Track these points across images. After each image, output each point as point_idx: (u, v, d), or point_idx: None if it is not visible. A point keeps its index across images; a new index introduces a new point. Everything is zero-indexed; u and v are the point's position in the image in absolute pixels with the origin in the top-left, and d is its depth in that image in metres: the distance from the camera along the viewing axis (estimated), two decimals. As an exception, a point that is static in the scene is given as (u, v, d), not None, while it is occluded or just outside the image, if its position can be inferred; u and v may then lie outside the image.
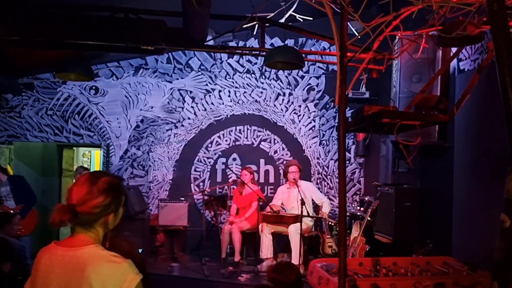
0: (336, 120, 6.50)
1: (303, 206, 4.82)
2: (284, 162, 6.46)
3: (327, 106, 6.72)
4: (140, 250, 5.11)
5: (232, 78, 6.68)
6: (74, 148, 8.01)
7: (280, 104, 6.71)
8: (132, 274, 1.31)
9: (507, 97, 1.51)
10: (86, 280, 1.28)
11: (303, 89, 6.73)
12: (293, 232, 5.04)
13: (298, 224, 4.83)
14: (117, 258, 1.33)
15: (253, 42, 6.49)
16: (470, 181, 3.84)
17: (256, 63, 6.69)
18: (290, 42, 6.52)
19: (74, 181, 6.35)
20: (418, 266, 3.56)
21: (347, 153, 6.60)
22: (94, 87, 6.51)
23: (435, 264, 3.66)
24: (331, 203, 6.45)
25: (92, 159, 9.06)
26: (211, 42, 4.81)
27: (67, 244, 1.37)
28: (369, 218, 4.75)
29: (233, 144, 6.66)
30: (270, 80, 6.73)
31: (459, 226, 3.99)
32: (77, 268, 1.30)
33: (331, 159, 6.70)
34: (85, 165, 8.01)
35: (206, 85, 6.65)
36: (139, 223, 5.52)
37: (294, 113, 6.72)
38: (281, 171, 6.31)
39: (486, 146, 3.61)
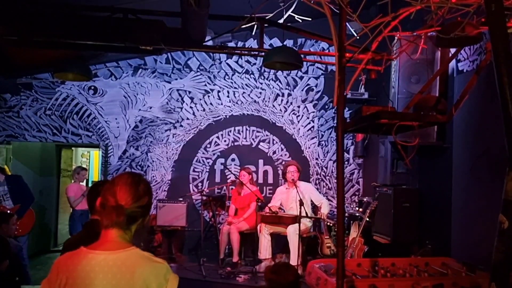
0: (335, 121, 6.50)
1: (302, 207, 4.81)
2: (283, 162, 6.46)
3: (326, 106, 6.72)
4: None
5: (231, 79, 6.68)
6: (73, 148, 8.01)
7: (279, 105, 6.71)
8: (172, 273, 1.37)
9: (505, 98, 1.50)
10: (138, 281, 1.29)
11: (302, 90, 6.73)
12: (292, 232, 5.03)
13: (297, 224, 4.83)
14: (158, 258, 1.37)
15: (252, 43, 6.49)
16: (469, 181, 3.83)
17: (255, 64, 6.68)
18: (289, 42, 6.52)
19: (73, 181, 6.39)
20: (416, 267, 3.56)
21: (346, 154, 6.59)
22: (92, 87, 6.50)
23: (434, 265, 3.66)
24: (330, 204, 6.44)
25: (91, 159, 9.05)
26: (210, 43, 4.80)
27: (104, 248, 1.34)
28: (367, 219, 4.74)
29: (232, 144, 6.65)
30: (269, 81, 6.72)
31: (458, 227, 3.99)
32: (125, 271, 1.30)
33: (330, 159, 6.70)
34: (84, 165, 8.00)
35: (205, 85, 6.65)
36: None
37: (293, 113, 6.72)
38: (280, 172, 6.30)
39: (484, 147, 3.61)
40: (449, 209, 4.10)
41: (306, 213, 5.00)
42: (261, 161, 6.64)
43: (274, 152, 6.70)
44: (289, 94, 6.72)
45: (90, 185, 7.88)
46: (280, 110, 6.71)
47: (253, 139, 6.69)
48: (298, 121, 6.72)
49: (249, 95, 6.70)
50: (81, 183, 6.00)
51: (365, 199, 5.41)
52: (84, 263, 1.31)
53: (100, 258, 1.32)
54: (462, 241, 3.90)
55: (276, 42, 6.44)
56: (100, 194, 1.38)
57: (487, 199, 3.51)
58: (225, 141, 6.66)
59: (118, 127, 6.53)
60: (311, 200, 5.52)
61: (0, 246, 2.44)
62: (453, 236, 4.04)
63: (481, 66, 2.66)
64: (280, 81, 6.72)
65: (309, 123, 6.73)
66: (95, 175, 8.42)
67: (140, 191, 1.38)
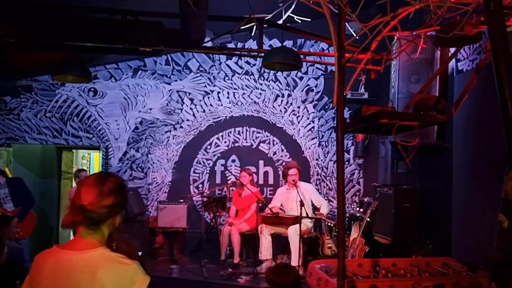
0: (335, 121, 6.49)
1: (302, 207, 4.81)
2: (283, 163, 6.45)
3: (326, 107, 6.71)
4: (139, 253, 5.09)
5: (231, 80, 6.68)
6: (73, 150, 8.00)
7: (279, 105, 6.71)
8: (141, 275, 1.32)
9: (504, 97, 1.50)
10: (98, 283, 1.28)
11: (302, 90, 6.73)
12: (293, 233, 5.03)
13: (298, 225, 4.82)
14: (126, 259, 1.33)
15: (251, 44, 6.49)
16: (469, 181, 3.83)
17: (254, 65, 6.68)
18: (288, 43, 6.52)
19: (74, 183, 6.39)
20: (417, 267, 3.55)
21: (346, 154, 6.58)
22: (92, 89, 6.51)
23: (435, 264, 3.66)
24: (331, 204, 6.43)
25: (92, 161, 9.05)
26: (209, 44, 4.81)
27: (73, 248, 1.35)
28: (368, 219, 4.74)
29: (232, 145, 6.65)
30: (269, 81, 6.72)
31: (459, 227, 3.98)
32: (87, 272, 1.29)
33: (331, 160, 6.69)
34: (84, 168, 8.00)
35: (205, 86, 6.65)
36: (138, 225, 5.51)
37: (293, 114, 6.71)
38: (280, 173, 6.30)
39: (484, 146, 3.60)
40: (450, 208, 4.09)
41: (306, 213, 4.99)
42: (261, 162, 6.64)
43: (275, 153, 6.69)
44: (289, 95, 6.72)
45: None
46: (280, 110, 6.71)
47: (253, 140, 6.69)
48: (298, 122, 6.72)
49: (249, 96, 6.70)
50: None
51: (365, 200, 5.40)
52: (51, 261, 1.33)
53: (66, 257, 1.33)
54: (463, 241, 3.89)
55: (276, 43, 6.44)
56: None
57: (487, 199, 3.50)
58: (225, 142, 6.66)
59: (118, 129, 6.53)
60: (311, 201, 5.52)
61: None
62: (454, 236, 4.03)
63: (481, 66, 2.66)
64: (280, 82, 6.72)
65: (309, 123, 6.72)
66: (95, 177, 8.43)
67: (105, 190, 1.35)
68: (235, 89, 6.68)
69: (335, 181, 6.26)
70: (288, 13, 5.00)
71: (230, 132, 6.66)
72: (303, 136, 6.70)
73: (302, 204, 4.81)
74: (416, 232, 4.44)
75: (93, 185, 1.36)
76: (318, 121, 6.72)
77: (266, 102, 6.70)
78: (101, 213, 1.35)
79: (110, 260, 1.32)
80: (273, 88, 6.72)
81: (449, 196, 4.11)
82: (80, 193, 1.35)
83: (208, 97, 6.65)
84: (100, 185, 1.36)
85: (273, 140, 6.69)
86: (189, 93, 6.62)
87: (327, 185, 6.69)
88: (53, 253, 1.36)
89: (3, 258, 2.60)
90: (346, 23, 2.65)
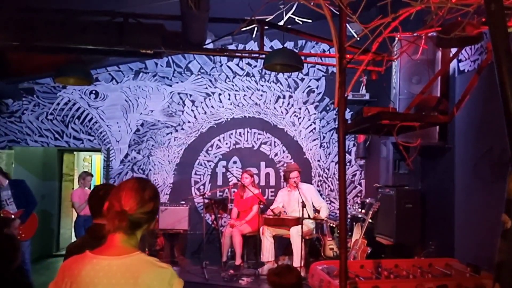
0: (336, 122, 6.49)
1: (304, 209, 4.80)
2: (285, 164, 6.45)
3: (327, 108, 6.71)
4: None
5: (232, 81, 6.68)
6: (75, 152, 8.02)
7: (280, 107, 6.71)
8: (177, 278, 1.36)
9: (506, 96, 1.50)
10: (142, 287, 1.29)
11: (303, 92, 6.73)
12: (294, 234, 5.02)
13: (299, 226, 4.82)
14: (162, 263, 1.36)
15: (252, 45, 6.50)
16: (472, 181, 3.82)
17: (255, 66, 6.68)
18: (289, 44, 6.52)
19: (75, 185, 6.39)
20: (420, 268, 3.55)
21: (347, 155, 6.58)
22: (94, 92, 6.52)
23: (437, 266, 3.65)
24: (332, 206, 6.42)
25: (93, 163, 9.07)
26: (210, 45, 4.81)
27: (109, 253, 1.34)
28: (370, 220, 4.73)
29: (234, 147, 6.64)
30: (270, 83, 6.72)
31: (461, 227, 3.97)
32: (129, 277, 1.30)
33: (332, 161, 6.68)
34: (86, 170, 8.01)
35: (206, 88, 6.65)
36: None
37: (294, 115, 6.71)
38: (282, 174, 6.29)
39: (487, 146, 3.60)
40: (452, 209, 4.09)
41: (308, 215, 4.99)
42: (262, 164, 6.63)
43: (276, 154, 6.69)
44: (290, 96, 6.71)
45: (92, 189, 7.86)
46: (282, 112, 6.71)
47: (254, 142, 6.69)
48: (300, 123, 6.71)
49: (250, 97, 6.70)
50: (86, 188, 6.00)
51: (367, 200, 5.39)
52: (88, 268, 1.32)
53: (105, 263, 1.32)
54: (466, 242, 3.88)
55: (277, 44, 6.44)
56: (101, 198, 1.39)
57: (490, 199, 3.50)
58: (226, 143, 6.66)
59: (119, 131, 6.54)
60: (313, 204, 5.52)
61: (11, 245, 2.42)
62: (457, 237, 4.02)
63: (482, 66, 2.66)
64: (281, 83, 6.72)
65: (311, 125, 6.72)
66: (97, 179, 8.43)
67: (146, 196, 1.38)
68: (236, 90, 6.69)
69: (337, 182, 6.26)
70: (289, 14, 5.01)
71: (232, 133, 6.66)
72: (305, 137, 6.70)
73: (304, 205, 4.81)
74: (419, 233, 4.43)
75: (134, 191, 1.37)
76: (320, 122, 6.71)
77: (267, 103, 6.70)
78: (140, 218, 1.36)
79: (150, 264, 1.34)
80: (274, 89, 6.72)
81: (452, 196, 4.10)
82: (121, 199, 1.35)
83: (209, 99, 6.65)
84: (142, 191, 1.38)
85: (275, 142, 6.69)
86: (190, 95, 6.63)
87: (328, 186, 6.68)
88: (87, 259, 1.35)
89: (19, 262, 2.59)
90: (347, 25, 2.66)
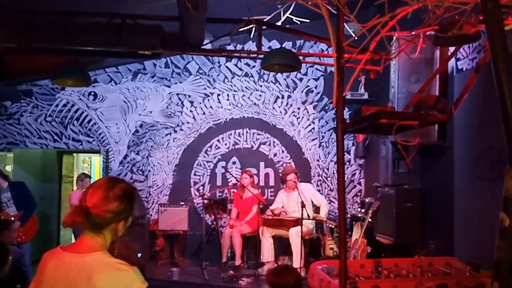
0: (335, 122, 6.49)
1: (303, 209, 4.80)
2: (284, 164, 6.45)
3: (326, 108, 6.71)
4: (139, 255, 5.09)
5: (231, 82, 6.68)
6: (74, 154, 8.01)
7: (279, 107, 6.71)
8: (138, 282, 1.31)
9: (503, 95, 1.50)
10: None
11: (302, 91, 6.72)
12: (294, 235, 5.02)
13: (299, 227, 4.82)
14: (123, 265, 1.32)
15: (250, 45, 6.49)
16: (471, 180, 3.82)
17: (254, 66, 6.68)
18: (287, 44, 6.52)
19: (75, 187, 6.38)
20: (420, 267, 3.54)
21: (346, 155, 6.58)
22: (92, 93, 6.52)
23: (437, 264, 3.65)
24: (332, 205, 6.41)
25: (92, 165, 9.05)
26: (208, 46, 4.81)
27: (74, 250, 1.35)
28: (370, 220, 4.73)
29: (233, 147, 6.65)
30: (269, 83, 6.72)
31: (461, 226, 3.97)
32: (84, 275, 1.29)
33: (331, 161, 6.68)
34: (85, 171, 8.00)
35: (205, 89, 6.65)
36: (139, 228, 5.51)
37: (293, 115, 6.71)
38: (280, 176, 6.28)
39: (485, 145, 3.60)
40: (452, 208, 4.09)
41: (308, 215, 4.98)
42: (262, 164, 6.63)
43: (275, 155, 6.69)
44: (289, 96, 6.72)
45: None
46: (280, 112, 6.71)
47: (253, 142, 6.69)
48: (299, 123, 6.71)
49: (249, 97, 6.70)
50: (84, 190, 5.99)
51: (367, 200, 5.40)
52: (53, 263, 1.35)
53: (66, 259, 1.33)
54: (466, 240, 3.88)
55: (275, 44, 6.44)
56: None
57: (489, 197, 3.50)
58: (225, 144, 6.66)
59: (118, 132, 6.54)
60: (312, 202, 5.52)
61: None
62: (456, 236, 4.02)
63: (480, 64, 2.67)
64: (279, 83, 6.73)
65: (310, 124, 6.72)
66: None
67: (111, 195, 1.36)
68: (235, 91, 6.69)
69: (336, 181, 6.26)
70: (287, 14, 5.00)
71: (231, 134, 6.66)
72: (304, 137, 6.70)
73: (303, 206, 4.81)
74: (418, 232, 4.43)
75: (100, 189, 1.36)
76: (319, 122, 6.72)
77: (266, 103, 6.70)
78: (103, 217, 1.34)
79: (107, 265, 1.31)
80: (273, 89, 6.72)
81: (451, 195, 4.10)
82: (86, 195, 1.36)
83: (208, 100, 6.65)
84: (107, 190, 1.36)
85: (274, 142, 6.69)
86: (189, 96, 6.63)
87: (328, 186, 6.68)
88: (55, 253, 1.37)
89: (8, 268, 2.59)
90: (344, 24, 2.66)
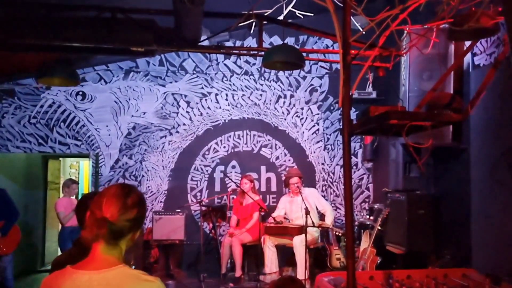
0: (341, 123, 6.48)
1: (308, 216, 4.78)
2: (287, 169, 6.44)
3: (332, 108, 6.70)
4: (132, 267, 5.06)
5: (230, 80, 6.68)
6: (61, 159, 7.99)
7: (281, 107, 6.70)
8: None
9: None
10: None
11: (306, 91, 6.72)
12: (298, 244, 5.01)
13: (303, 235, 4.80)
14: (148, 276, 1.36)
15: (251, 42, 6.49)
16: (489, 184, 3.79)
17: (254, 64, 6.68)
18: (290, 40, 6.52)
19: (61, 194, 6.35)
20: (434, 279, 3.50)
21: (353, 158, 6.57)
22: (81, 93, 6.50)
23: (453, 276, 3.61)
24: (338, 212, 6.39)
25: (81, 170, 9.03)
26: (206, 42, 4.81)
27: (91, 267, 1.34)
28: (379, 228, 4.71)
29: (232, 150, 6.63)
30: (270, 82, 6.72)
31: (479, 234, 3.94)
32: None
33: (337, 164, 6.67)
34: (73, 177, 7.98)
35: (202, 88, 6.65)
36: (132, 238, 5.47)
37: (296, 116, 6.70)
38: (283, 179, 6.25)
39: (504, 147, 3.57)
40: (468, 215, 4.06)
41: (312, 222, 4.96)
42: (263, 168, 6.62)
43: (277, 158, 6.67)
44: (291, 96, 6.71)
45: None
46: (283, 112, 6.70)
47: (254, 145, 6.67)
48: (302, 124, 6.70)
49: (249, 97, 6.69)
50: (71, 197, 5.97)
51: (376, 206, 5.39)
52: (68, 284, 1.32)
53: (85, 279, 1.31)
54: (484, 250, 3.85)
55: (277, 40, 6.44)
56: (89, 207, 1.38)
57: (509, 203, 3.47)
58: (224, 147, 6.64)
59: (109, 134, 6.52)
60: (317, 208, 5.51)
61: None
62: (474, 245, 3.99)
63: (499, 60, 2.64)
64: (281, 82, 6.72)
65: (314, 125, 6.71)
66: (85, 187, 8.41)
67: (128, 203, 1.38)
68: (234, 90, 6.68)
69: (343, 187, 6.24)
70: (289, 8, 4.99)
71: (230, 136, 6.65)
72: (308, 139, 6.68)
73: (307, 212, 4.79)
74: (432, 240, 4.40)
75: (116, 197, 1.37)
76: (323, 123, 6.70)
77: (267, 103, 6.69)
78: (123, 226, 1.36)
79: (133, 278, 1.33)
80: (274, 88, 6.71)
81: (468, 201, 4.08)
82: (102, 205, 1.35)
83: (206, 100, 6.64)
84: (124, 197, 1.38)
85: (276, 144, 6.68)
86: (185, 96, 6.62)
87: (334, 191, 6.66)
88: (67, 274, 1.34)
89: None
90: (351, 18, 2.63)
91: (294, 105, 6.71)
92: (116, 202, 1.36)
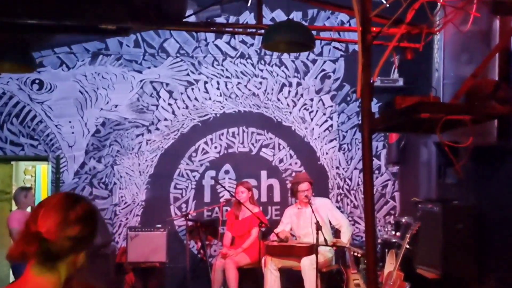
0: (360, 117, 6.49)
1: (319, 232, 4.79)
2: (293, 174, 6.44)
3: (348, 98, 6.72)
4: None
5: (222, 65, 6.68)
6: (13, 162, 7.98)
7: (286, 98, 6.71)
8: None
9: None
10: None
11: (316, 77, 6.73)
12: (307, 267, 5.04)
13: (313, 256, 4.82)
14: None
15: (248, 17, 6.50)
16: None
17: (252, 45, 6.69)
18: (296, 15, 6.53)
19: (13, 207, 6.35)
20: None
21: (375, 160, 6.59)
22: (37, 81, 6.50)
23: (499, 307, 3.62)
24: (357, 227, 6.40)
25: (37, 176, 9.03)
26: (192, 18, 4.80)
27: None
28: (407, 246, 4.73)
29: (225, 152, 6.65)
30: (272, 67, 6.73)
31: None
32: None
33: (355, 168, 6.69)
34: (28, 185, 7.96)
35: (188, 75, 6.65)
36: (101, 260, 5.49)
37: (305, 109, 6.71)
38: (289, 187, 6.26)
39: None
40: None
41: (325, 240, 4.97)
42: (263, 173, 6.64)
43: (281, 161, 6.69)
44: (298, 84, 6.72)
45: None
46: (288, 104, 6.71)
47: (252, 144, 6.68)
48: (312, 119, 6.71)
49: (245, 86, 6.70)
50: (27, 210, 5.97)
51: (403, 220, 5.40)
52: None
53: None
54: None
55: (280, 16, 6.44)
56: None
57: None
58: (215, 147, 6.65)
59: (73, 132, 6.52)
60: (331, 223, 5.53)
61: None
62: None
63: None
64: (286, 67, 6.73)
65: (326, 120, 6.72)
66: (43, 197, 8.40)
67: (71, 217, 1.36)
68: (227, 77, 6.68)
69: (362, 196, 6.23)
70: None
71: (222, 134, 6.66)
72: (319, 137, 6.70)
73: (318, 228, 4.80)
74: (474, 262, 4.41)
75: (55, 208, 1.36)
76: (338, 118, 6.71)
77: (268, 93, 6.70)
78: (61, 245, 1.34)
79: None
80: (277, 75, 6.72)
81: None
82: (38, 217, 1.35)
83: (192, 89, 6.65)
84: (66, 210, 1.36)
85: (279, 144, 6.69)
86: (167, 84, 6.62)
87: (351, 201, 6.68)
88: None
89: None
90: (372, -13, 2.64)
91: (301, 95, 6.71)
92: (56, 215, 1.35)
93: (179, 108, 6.64)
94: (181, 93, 6.65)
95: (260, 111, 6.71)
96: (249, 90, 6.71)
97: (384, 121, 2.78)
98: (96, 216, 1.46)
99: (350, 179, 6.70)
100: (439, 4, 3.23)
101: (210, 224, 6.16)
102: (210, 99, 6.66)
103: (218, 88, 6.67)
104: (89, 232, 1.41)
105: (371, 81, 2.53)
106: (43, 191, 8.38)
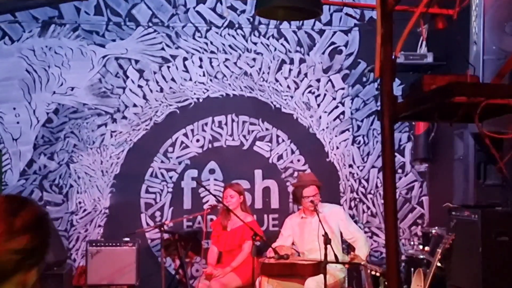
0: (379, 102, 6.49)
1: (329, 247, 4.80)
2: (295, 174, 6.45)
3: (364, 79, 6.73)
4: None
5: (205, 37, 6.67)
6: None
7: (286, 78, 6.72)
8: None
9: None
10: None
11: (323, 53, 6.74)
12: (313, 290, 5.02)
13: (321, 276, 4.82)
14: None
15: (238, -24, 6.48)
16: None
17: (244, 11, 6.69)
18: (299, -26, 6.50)
19: None
20: None
21: (399, 156, 6.62)
22: (-28, 57, 6.48)
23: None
24: (375, 241, 6.41)
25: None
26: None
27: None
28: (439, 264, 4.75)
29: (210, 146, 6.66)
30: (268, 39, 6.73)
31: None
32: None
33: (373, 166, 6.72)
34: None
35: (163, 49, 6.65)
36: (54, 281, 5.50)
37: (310, 92, 6.73)
38: (291, 190, 6.26)
39: None
40: None
41: (336, 256, 4.98)
42: (258, 173, 6.67)
43: (280, 157, 6.71)
44: (302, 60, 6.72)
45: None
46: (288, 87, 6.72)
47: (244, 137, 6.69)
48: (318, 105, 6.73)
49: (235, 63, 6.69)
50: None
51: (433, 231, 5.44)
52: None
53: None
54: None
55: (278, -26, 6.42)
56: None
57: None
58: (197, 140, 6.66)
59: (18, 122, 6.51)
60: (342, 235, 5.55)
61: None
62: None
63: None
64: (286, 40, 6.73)
65: (337, 107, 6.74)
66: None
67: (16, 224, 1.36)
68: (212, 52, 6.68)
69: (381, 201, 6.24)
70: None
71: (206, 124, 6.67)
72: (327, 128, 6.72)
73: (327, 241, 4.81)
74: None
75: None
76: (351, 103, 6.72)
77: (264, 73, 6.70)
78: (6, 261, 1.34)
79: None
80: (275, 49, 6.73)
81: None
82: None
83: (168, 67, 6.65)
84: (9, 216, 1.37)
85: (278, 136, 6.71)
86: (137, 61, 6.62)
87: (368, 208, 6.71)
88: None
89: None
90: None
91: (305, 75, 6.72)
92: None
93: (151, 91, 6.64)
94: (154, 73, 6.64)
95: (254, 95, 6.71)
96: (240, 68, 6.71)
97: (409, 107, 2.76)
98: (48, 222, 1.46)
99: (367, 180, 6.72)
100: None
101: (191, 237, 6.18)
102: (190, 79, 6.67)
103: (200, 66, 6.68)
104: (39, 242, 1.40)
105: (393, 56, 2.51)
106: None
